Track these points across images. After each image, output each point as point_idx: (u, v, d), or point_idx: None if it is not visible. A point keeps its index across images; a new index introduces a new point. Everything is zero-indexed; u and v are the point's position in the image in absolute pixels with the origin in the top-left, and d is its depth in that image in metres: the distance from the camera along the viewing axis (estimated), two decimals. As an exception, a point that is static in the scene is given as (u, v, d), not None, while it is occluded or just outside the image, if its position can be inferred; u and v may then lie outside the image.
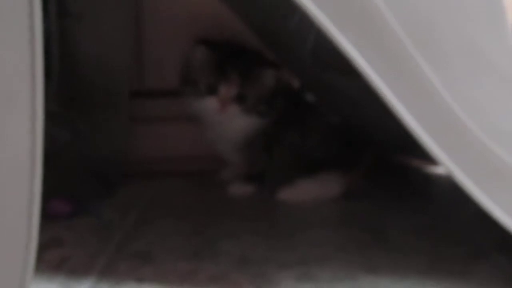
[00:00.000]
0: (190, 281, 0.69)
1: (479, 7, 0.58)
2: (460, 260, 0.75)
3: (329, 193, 1.04)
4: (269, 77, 1.04)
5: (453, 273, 0.71)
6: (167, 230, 0.88)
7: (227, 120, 1.03)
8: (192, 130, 1.11)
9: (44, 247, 0.80)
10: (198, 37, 1.04)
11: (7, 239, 0.54)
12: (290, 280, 0.70)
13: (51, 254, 0.78)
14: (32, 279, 0.55)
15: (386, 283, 0.69)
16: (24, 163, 0.52)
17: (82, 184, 1.00)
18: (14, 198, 0.53)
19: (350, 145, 1.09)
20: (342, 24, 0.49)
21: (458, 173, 0.55)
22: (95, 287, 0.68)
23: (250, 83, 1.01)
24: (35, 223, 0.53)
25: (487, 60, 0.58)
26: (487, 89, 0.58)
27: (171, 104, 1.13)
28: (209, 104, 1.01)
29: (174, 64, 1.10)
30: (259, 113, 1.04)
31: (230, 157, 1.12)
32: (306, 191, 1.03)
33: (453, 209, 0.97)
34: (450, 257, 0.76)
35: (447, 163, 0.55)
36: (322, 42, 0.55)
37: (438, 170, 1.20)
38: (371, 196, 1.05)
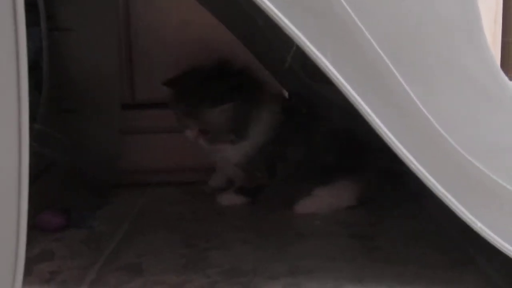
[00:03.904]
0: (179, 293, 0.70)
1: (458, 23, 0.60)
2: (447, 269, 0.76)
3: (345, 201, 1.03)
4: (215, 115, 1.00)
5: (440, 282, 0.72)
6: (158, 242, 0.88)
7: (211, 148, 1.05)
8: (182, 141, 1.11)
9: (35, 260, 0.81)
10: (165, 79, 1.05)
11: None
12: (278, 291, 0.71)
13: (42, 267, 0.79)
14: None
15: (372, 293, 0.70)
16: (11, 180, 0.52)
17: (74, 196, 1.00)
18: (2, 214, 0.54)
19: (358, 151, 1.05)
20: (321, 42, 0.50)
21: (437, 187, 0.56)
22: (84, 301, 0.69)
23: (202, 120, 1.02)
24: (22, 238, 0.53)
25: (467, 75, 0.59)
26: (466, 103, 0.59)
27: (161, 116, 1.14)
28: (187, 134, 1.04)
29: (164, 77, 1.11)
30: (230, 141, 1.03)
31: (228, 172, 1.12)
32: (323, 202, 1.02)
33: (443, 217, 0.97)
34: (437, 266, 0.77)
35: (424, 175, 0.56)
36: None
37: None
38: (366, 204, 1.04)
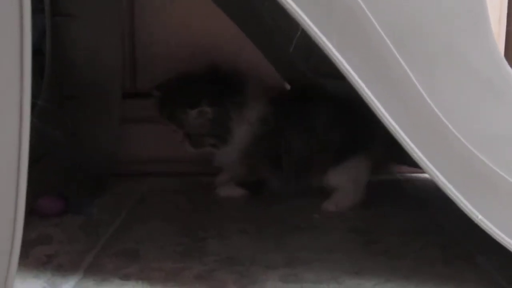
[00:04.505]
0: (175, 280, 0.70)
1: (463, 14, 0.59)
2: (445, 265, 0.76)
3: (364, 180, 1.03)
4: (191, 117, 1.01)
5: (437, 277, 0.72)
6: (156, 230, 0.88)
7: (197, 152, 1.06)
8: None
9: (32, 243, 0.81)
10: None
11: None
12: (276, 281, 0.70)
13: (39, 251, 0.78)
14: (18, 276, 0.55)
15: (369, 285, 0.69)
16: (10, 161, 0.52)
17: (73, 182, 1.00)
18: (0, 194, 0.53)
19: (364, 125, 0.98)
20: (327, 26, 0.49)
21: (438, 177, 0.56)
22: (80, 284, 0.69)
23: (182, 124, 1.02)
24: (20, 220, 0.53)
25: (471, 66, 0.59)
26: (470, 94, 0.59)
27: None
28: (177, 137, 1.05)
29: (165, 67, 1.11)
30: (212, 145, 1.04)
31: (229, 167, 1.12)
32: (347, 196, 1.02)
33: (444, 213, 0.96)
34: (436, 261, 0.77)
35: (426, 164, 0.56)
36: (315, 50, 0.55)
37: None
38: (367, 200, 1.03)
